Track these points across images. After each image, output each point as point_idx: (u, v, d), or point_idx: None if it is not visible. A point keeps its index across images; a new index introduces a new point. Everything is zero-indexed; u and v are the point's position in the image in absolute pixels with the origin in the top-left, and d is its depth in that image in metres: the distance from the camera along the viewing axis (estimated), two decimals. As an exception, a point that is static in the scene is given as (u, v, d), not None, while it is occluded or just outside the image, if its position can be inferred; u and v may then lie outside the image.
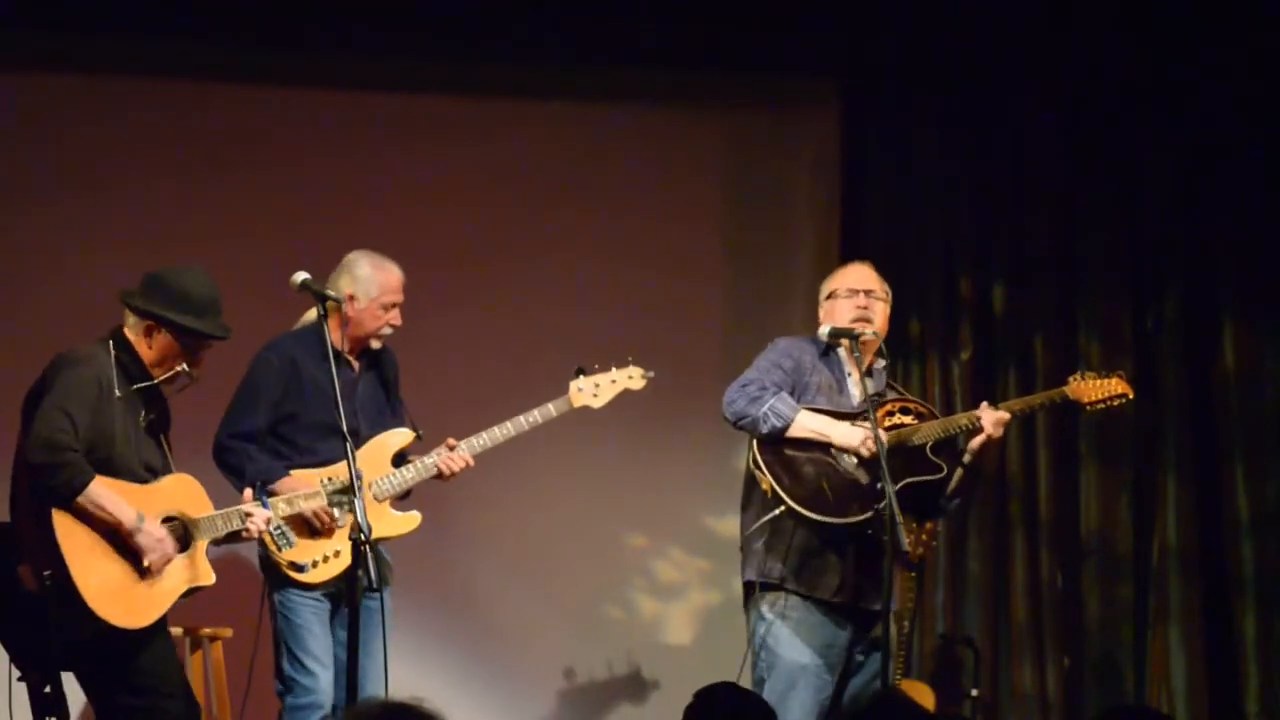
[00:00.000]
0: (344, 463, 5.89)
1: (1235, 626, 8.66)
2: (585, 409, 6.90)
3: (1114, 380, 6.69)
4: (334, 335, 6.41)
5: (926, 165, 8.75)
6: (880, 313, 6.62)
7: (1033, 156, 8.80)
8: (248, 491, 5.97)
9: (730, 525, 6.75)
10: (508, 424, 6.73)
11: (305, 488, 6.43)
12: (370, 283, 6.66)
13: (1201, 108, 8.80)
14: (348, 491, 5.88)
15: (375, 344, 6.72)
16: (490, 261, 8.43)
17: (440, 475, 6.70)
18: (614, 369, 6.97)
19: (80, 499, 5.52)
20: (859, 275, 6.68)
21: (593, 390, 6.91)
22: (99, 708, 5.78)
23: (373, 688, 6.26)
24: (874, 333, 6.55)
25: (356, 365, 6.72)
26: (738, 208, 8.82)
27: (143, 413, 5.78)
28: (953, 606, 8.62)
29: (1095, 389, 6.67)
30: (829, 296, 6.67)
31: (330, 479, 6.29)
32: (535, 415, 6.78)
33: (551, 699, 8.48)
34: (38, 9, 7.90)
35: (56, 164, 8.03)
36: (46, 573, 5.48)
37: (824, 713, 6.39)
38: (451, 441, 6.69)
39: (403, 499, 6.71)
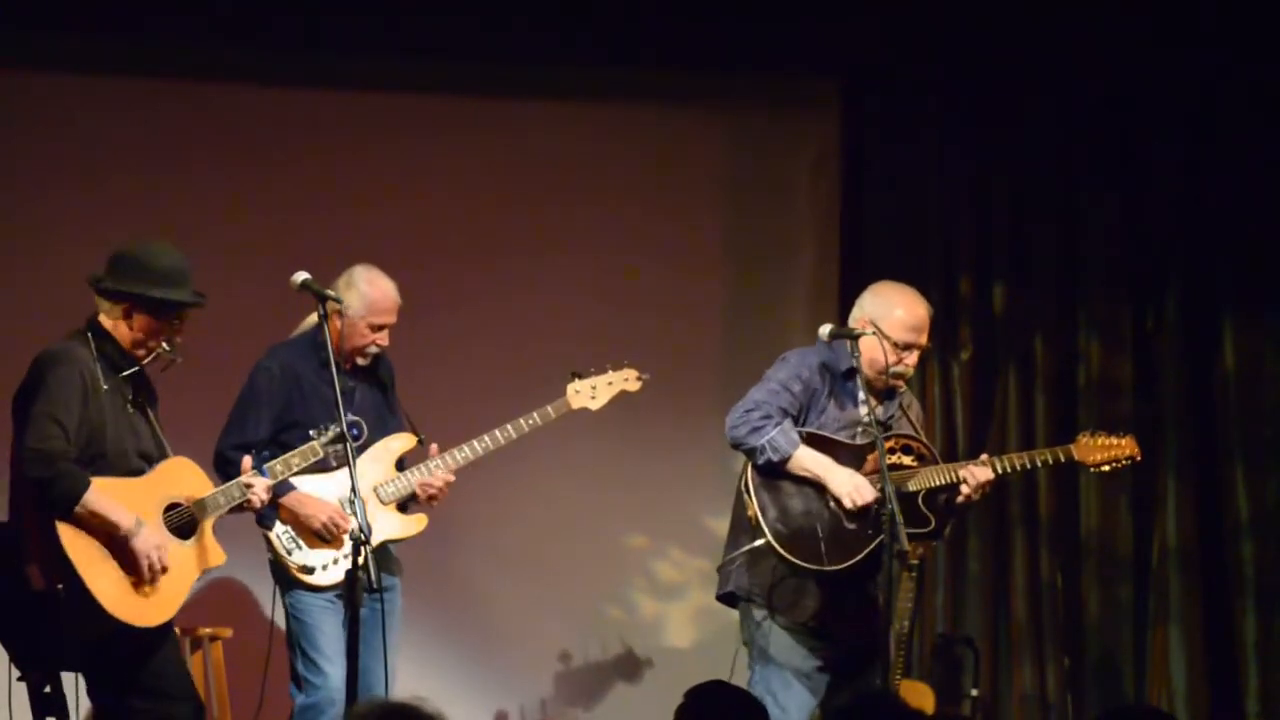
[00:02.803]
0: (347, 468, 5.87)
1: (1235, 626, 8.66)
2: (584, 410, 6.89)
3: (1126, 441, 6.49)
4: (333, 338, 6.40)
5: (926, 165, 8.74)
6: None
7: (1033, 156, 8.80)
8: (246, 461, 5.93)
9: (730, 525, 6.74)
10: (508, 426, 6.72)
11: (312, 504, 6.50)
12: (363, 299, 6.63)
13: (1202, 107, 8.80)
14: (340, 440, 5.85)
15: (361, 360, 6.68)
16: (491, 260, 8.42)
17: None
18: (610, 370, 6.94)
19: (78, 508, 5.50)
20: (922, 326, 6.45)
21: (590, 392, 6.89)
22: (106, 710, 5.75)
23: (377, 687, 6.27)
24: (905, 390, 6.49)
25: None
26: (738, 207, 8.81)
27: (130, 398, 5.74)
28: (953, 606, 8.62)
29: (1103, 450, 6.47)
30: (876, 323, 6.37)
31: (324, 428, 6.13)
32: (535, 418, 6.76)
33: (551, 698, 8.48)
34: (38, 9, 7.89)
35: (54, 162, 8.03)
36: (60, 585, 5.47)
37: (820, 711, 6.37)
38: (434, 449, 6.66)
39: (408, 502, 6.71)
